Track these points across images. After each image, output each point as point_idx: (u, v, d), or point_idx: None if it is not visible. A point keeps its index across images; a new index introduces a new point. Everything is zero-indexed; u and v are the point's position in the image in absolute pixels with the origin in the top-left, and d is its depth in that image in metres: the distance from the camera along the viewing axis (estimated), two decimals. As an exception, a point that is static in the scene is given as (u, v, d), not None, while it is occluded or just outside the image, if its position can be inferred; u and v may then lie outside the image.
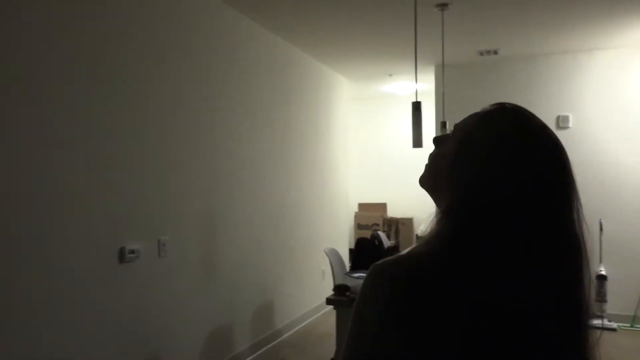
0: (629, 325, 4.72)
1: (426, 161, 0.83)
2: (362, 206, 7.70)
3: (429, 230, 0.75)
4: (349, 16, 3.97)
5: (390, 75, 6.09)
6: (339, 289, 2.47)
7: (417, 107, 2.74)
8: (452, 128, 0.81)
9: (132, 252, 2.78)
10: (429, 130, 6.28)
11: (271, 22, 4.11)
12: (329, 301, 2.43)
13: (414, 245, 2.24)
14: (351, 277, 2.55)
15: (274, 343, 4.21)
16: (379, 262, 0.71)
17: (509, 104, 0.76)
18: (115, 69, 2.70)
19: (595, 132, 4.94)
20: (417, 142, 2.76)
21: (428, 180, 0.81)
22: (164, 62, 3.06)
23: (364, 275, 2.16)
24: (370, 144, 7.87)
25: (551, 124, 4.56)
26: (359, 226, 7.50)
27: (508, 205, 0.67)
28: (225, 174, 3.65)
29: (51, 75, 2.35)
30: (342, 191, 6.14)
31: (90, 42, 2.56)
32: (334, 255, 3.50)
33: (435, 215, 0.76)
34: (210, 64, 3.51)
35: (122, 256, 2.72)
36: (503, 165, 0.68)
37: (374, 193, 7.75)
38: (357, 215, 7.60)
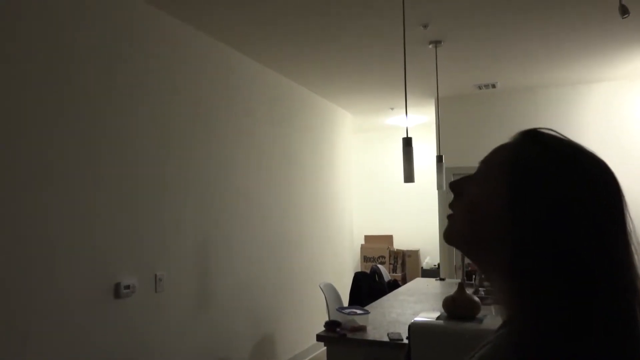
0: None
1: (445, 205, 0.70)
2: (368, 238, 7.68)
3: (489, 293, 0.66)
4: (347, 55, 4.08)
5: (392, 108, 6.17)
6: (330, 325, 2.47)
7: (407, 142, 2.78)
8: (476, 164, 0.70)
9: (128, 287, 2.82)
10: (431, 163, 6.31)
11: (272, 61, 4.24)
12: (319, 337, 2.43)
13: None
14: (342, 313, 2.55)
15: (273, 379, 4.17)
16: None
17: (543, 128, 0.65)
18: (122, 105, 2.80)
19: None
20: (409, 178, 2.79)
21: (463, 233, 0.67)
22: (164, 95, 3.16)
23: (356, 311, 2.15)
24: (376, 175, 7.90)
25: (550, 156, 4.56)
26: (365, 258, 7.46)
27: (598, 247, 0.56)
28: (223, 206, 3.70)
29: (46, 111, 2.44)
30: (346, 223, 6.15)
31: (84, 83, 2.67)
32: (329, 290, 3.49)
33: (492, 276, 0.64)
34: (211, 99, 3.61)
35: (117, 292, 2.76)
36: (583, 200, 0.58)
37: (380, 225, 7.74)
38: (363, 248, 7.57)
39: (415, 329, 1.90)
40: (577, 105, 5.06)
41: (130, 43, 2.93)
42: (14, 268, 2.25)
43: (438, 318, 2.02)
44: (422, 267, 7.21)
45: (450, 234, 0.69)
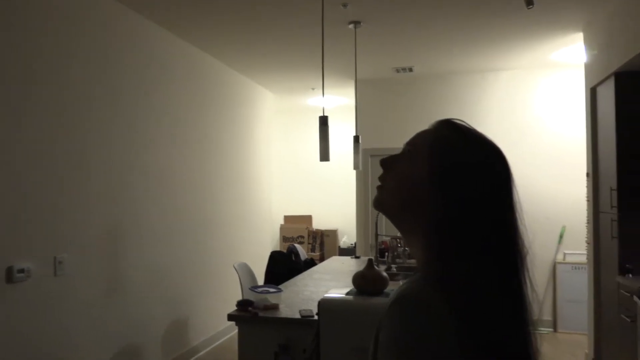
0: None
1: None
2: (287, 218, 7.70)
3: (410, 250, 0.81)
4: (267, 32, 3.99)
5: (313, 89, 6.16)
6: (242, 304, 2.43)
7: (323, 122, 2.78)
8: (402, 145, 0.84)
9: (22, 271, 2.60)
10: (352, 144, 6.40)
11: (189, 34, 4.05)
12: (230, 317, 2.39)
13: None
14: (255, 292, 2.52)
15: (187, 361, 4.08)
16: (420, 297, 0.70)
17: (455, 119, 0.82)
18: (22, 69, 2.53)
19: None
20: (324, 156, 2.80)
21: (392, 202, 0.80)
22: (71, 63, 2.91)
23: (269, 289, 2.11)
24: (297, 156, 7.91)
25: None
26: (284, 238, 7.48)
27: (495, 211, 0.75)
28: (134, 185, 3.51)
29: None
30: (265, 204, 6.10)
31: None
32: (243, 271, 3.45)
33: (412, 234, 0.80)
34: (122, 69, 3.38)
35: (10, 276, 2.53)
36: (487, 175, 0.76)
37: (299, 205, 7.78)
38: (282, 228, 7.59)
39: (325, 305, 1.91)
40: (485, 91, 5.35)
41: (46, 12, 2.65)
42: None
43: (348, 294, 2.05)
44: (339, 246, 7.37)
45: (381, 202, 0.82)
